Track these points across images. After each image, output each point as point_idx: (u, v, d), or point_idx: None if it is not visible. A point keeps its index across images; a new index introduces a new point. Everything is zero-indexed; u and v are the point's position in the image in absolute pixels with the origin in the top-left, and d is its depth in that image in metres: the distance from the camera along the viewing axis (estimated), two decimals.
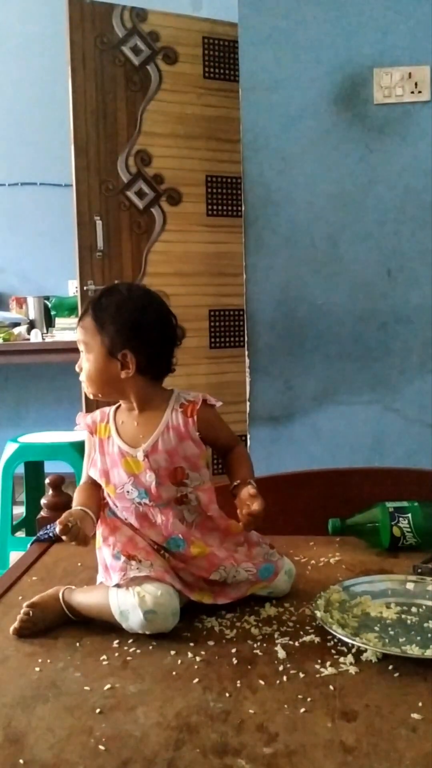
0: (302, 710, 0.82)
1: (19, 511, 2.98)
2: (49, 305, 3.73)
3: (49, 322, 3.73)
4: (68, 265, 3.43)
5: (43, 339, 3.61)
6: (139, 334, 1.10)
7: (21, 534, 2.89)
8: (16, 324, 3.71)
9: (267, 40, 2.32)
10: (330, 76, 2.32)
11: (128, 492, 1.10)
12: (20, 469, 2.75)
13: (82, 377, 1.14)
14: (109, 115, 3.04)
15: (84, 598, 1.06)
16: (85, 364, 1.13)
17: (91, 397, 1.15)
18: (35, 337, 3.61)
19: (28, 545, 1.46)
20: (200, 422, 1.12)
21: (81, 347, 1.13)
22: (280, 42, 2.32)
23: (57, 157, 3.56)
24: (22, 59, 3.81)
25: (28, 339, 3.63)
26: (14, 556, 2.65)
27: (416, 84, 2.28)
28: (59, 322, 3.64)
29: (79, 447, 2.63)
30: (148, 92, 3.09)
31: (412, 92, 2.29)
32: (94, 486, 1.17)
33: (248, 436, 2.38)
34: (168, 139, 3.12)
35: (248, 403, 2.38)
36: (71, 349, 3.20)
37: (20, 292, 3.91)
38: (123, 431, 1.14)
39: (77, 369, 1.15)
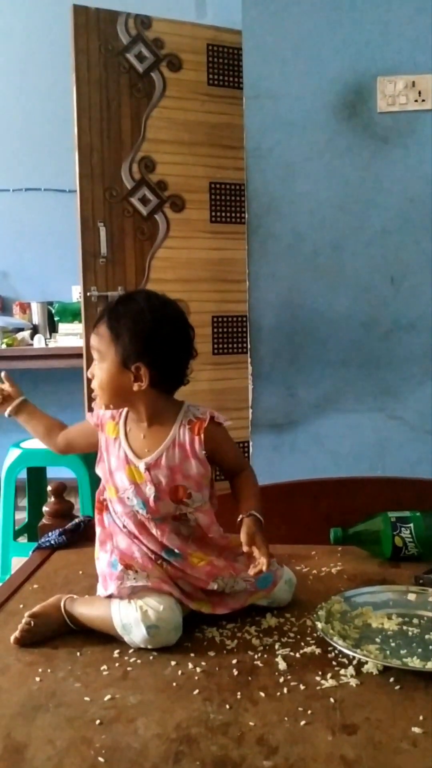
0: (303, 723, 0.82)
1: (21, 516, 2.98)
2: (53, 311, 3.74)
3: (53, 328, 3.74)
4: (72, 270, 3.44)
5: (46, 344, 3.61)
6: (155, 347, 1.07)
7: (23, 540, 2.88)
8: (20, 329, 3.72)
9: (271, 48, 2.33)
10: (334, 84, 2.32)
11: (128, 498, 1.10)
12: (22, 475, 2.75)
13: (94, 385, 1.12)
14: (114, 122, 3.05)
15: (86, 609, 1.06)
16: (98, 372, 1.10)
17: (102, 406, 1.13)
18: (38, 342, 3.62)
19: (30, 552, 1.46)
20: (207, 441, 1.10)
21: (94, 354, 1.11)
22: (283, 50, 2.33)
23: (61, 163, 3.57)
24: (27, 66, 3.82)
25: (32, 344, 3.63)
26: (16, 562, 2.65)
27: (420, 92, 2.29)
28: (62, 327, 3.64)
29: (81, 453, 2.63)
30: (152, 99, 3.09)
31: (416, 101, 2.29)
32: (58, 427, 1.21)
33: (250, 443, 2.38)
34: (172, 145, 3.12)
35: (251, 410, 2.38)
36: (74, 354, 3.24)
37: (24, 297, 3.91)
38: (131, 438, 1.12)
39: (89, 375, 1.13)
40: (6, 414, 1.22)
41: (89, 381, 3.17)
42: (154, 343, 1.07)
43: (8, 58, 3.84)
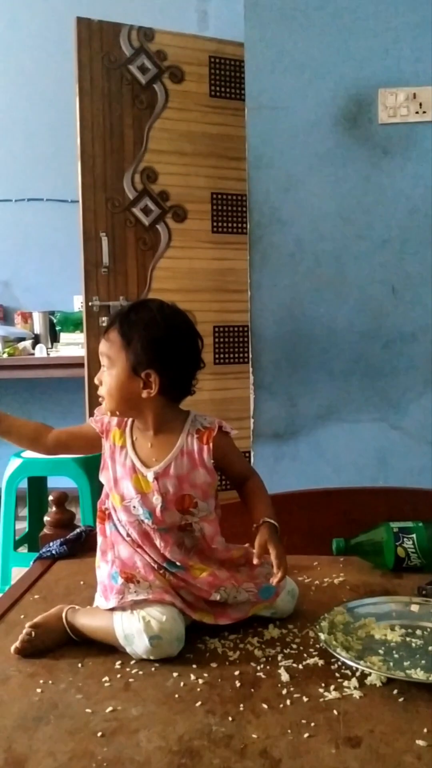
0: (306, 735, 0.82)
1: (21, 526, 2.97)
2: (54, 320, 3.74)
3: (54, 337, 3.73)
4: (74, 280, 3.44)
5: (47, 354, 3.61)
6: (165, 355, 1.07)
7: (23, 550, 2.87)
8: (21, 339, 3.72)
9: (273, 60, 2.34)
10: (335, 96, 2.33)
11: (134, 507, 1.09)
12: (22, 485, 2.74)
13: (102, 391, 1.11)
14: (116, 133, 3.06)
15: (88, 620, 1.05)
16: (106, 379, 1.10)
17: (108, 413, 1.13)
18: (40, 352, 3.62)
19: (31, 562, 1.45)
20: (215, 449, 1.10)
21: (103, 360, 1.11)
22: (285, 62, 2.34)
23: (63, 173, 3.58)
24: (31, 77, 3.84)
25: (33, 354, 3.63)
26: (16, 572, 2.64)
27: (421, 104, 2.30)
28: (64, 337, 3.64)
29: (82, 462, 2.62)
30: (154, 110, 3.11)
31: (417, 112, 2.30)
32: (44, 428, 1.17)
33: (252, 453, 2.38)
34: (174, 156, 3.14)
35: (252, 420, 2.38)
36: (76, 364, 3.24)
37: (26, 306, 3.92)
38: (138, 447, 1.12)
39: (96, 382, 1.12)
40: None
41: (91, 390, 3.16)
42: (165, 350, 1.07)
43: (12, 69, 3.87)
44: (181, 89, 3.14)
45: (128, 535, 1.11)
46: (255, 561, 1.07)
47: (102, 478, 1.14)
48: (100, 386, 1.11)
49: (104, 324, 3.03)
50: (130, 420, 1.14)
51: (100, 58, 3.02)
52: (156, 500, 1.08)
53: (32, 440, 1.17)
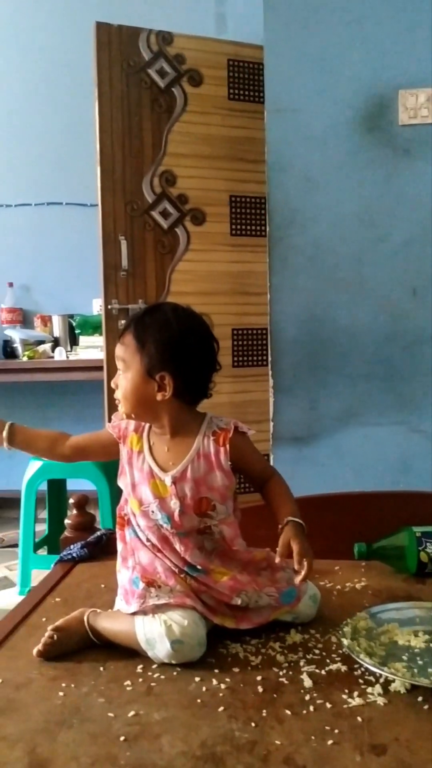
0: (330, 742, 0.81)
1: (40, 528, 2.98)
2: (74, 323, 3.75)
3: (74, 341, 3.75)
4: (92, 283, 3.45)
5: (67, 357, 3.63)
6: (180, 357, 1.07)
7: (42, 552, 2.89)
8: (41, 342, 3.74)
9: (292, 63, 2.34)
10: (355, 98, 2.32)
11: (152, 512, 1.09)
12: (42, 487, 2.76)
13: (118, 395, 1.12)
14: (135, 137, 3.08)
15: (109, 623, 1.05)
16: (122, 382, 1.10)
17: (124, 416, 1.13)
18: (59, 355, 3.63)
19: (52, 565, 1.45)
20: (232, 450, 1.10)
21: (119, 364, 1.11)
22: (305, 64, 2.34)
23: (82, 177, 3.60)
24: (50, 81, 3.87)
25: (53, 357, 3.65)
26: (35, 574, 2.65)
27: None
28: (83, 340, 3.66)
29: (101, 465, 2.63)
30: (173, 114, 3.12)
31: None
32: (61, 436, 1.17)
33: (271, 457, 2.37)
34: (192, 159, 3.14)
35: (272, 423, 2.37)
36: (95, 367, 3.25)
37: (45, 310, 3.94)
38: (155, 452, 1.12)
39: (113, 385, 1.13)
40: (5, 447, 1.16)
41: (110, 393, 3.18)
42: (179, 353, 1.07)
43: (31, 74, 3.89)
44: (199, 92, 3.15)
45: (148, 540, 1.11)
46: (277, 560, 1.06)
47: (120, 483, 1.14)
48: (117, 390, 1.12)
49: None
50: (147, 425, 1.14)
51: (119, 62, 3.04)
52: (174, 504, 1.08)
53: (49, 450, 1.18)
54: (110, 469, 2.63)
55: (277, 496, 1.14)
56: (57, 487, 2.99)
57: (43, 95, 3.90)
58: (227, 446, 1.09)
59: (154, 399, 1.08)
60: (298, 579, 1.05)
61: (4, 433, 1.16)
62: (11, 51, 3.89)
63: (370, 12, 2.31)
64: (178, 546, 1.08)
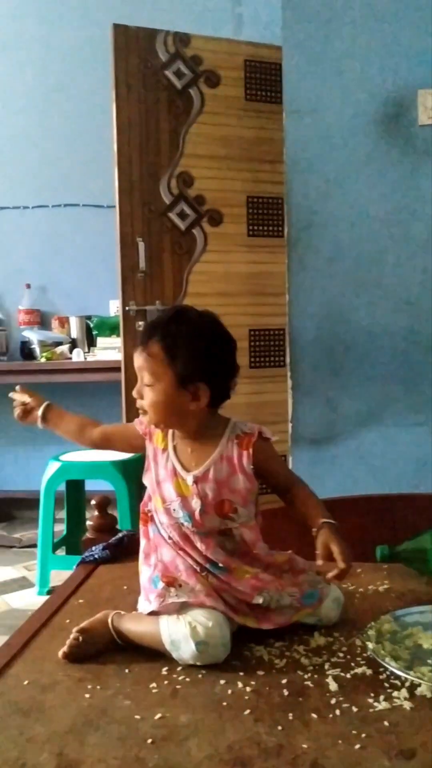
0: (357, 746, 0.81)
1: (58, 528, 3.00)
2: (91, 325, 3.77)
3: (91, 342, 3.77)
4: (109, 285, 3.47)
5: (84, 358, 3.64)
6: (212, 366, 1.07)
7: (61, 552, 2.90)
8: (59, 343, 3.76)
9: (311, 63, 2.33)
10: (374, 98, 2.31)
11: (174, 510, 1.09)
12: (60, 488, 2.77)
13: (142, 405, 1.10)
14: (152, 138, 3.08)
15: (134, 625, 1.05)
16: (150, 393, 1.08)
17: (152, 426, 1.13)
18: (77, 356, 3.65)
19: (74, 566, 1.46)
20: (256, 456, 1.10)
21: (144, 375, 1.09)
22: (323, 65, 2.33)
23: (99, 179, 3.61)
24: (67, 83, 3.88)
25: (70, 358, 3.67)
26: (54, 575, 2.66)
27: None
28: (101, 341, 3.67)
29: (120, 466, 2.64)
30: (190, 115, 3.12)
31: None
32: (91, 422, 1.20)
33: (290, 458, 2.37)
34: (209, 160, 3.14)
35: (290, 424, 2.37)
36: (112, 368, 3.25)
37: (62, 311, 3.96)
38: (179, 451, 1.13)
39: (135, 395, 1.11)
40: (39, 425, 1.21)
41: (128, 394, 3.18)
42: (212, 362, 1.07)
43: (48, 76, 3.91)
44: (216, 93, 3.15)
45: (170, 537, 1.11)
46: (319, 562, 1.06)
47: (145, 479, 1.15)
48: (140, 399, 1.11)
49: (141, 328, 3.06)
50: None
51: (136, 63, 3.04)
52: (195, 504, 1.08)
53: (79, 433, 1.21)
54: (128, 470, 2.64)
55: (306, 500, 1.14)
56: (75, 488, 3.00)
57: (60, 97, 3.92)
58: (250, 450, 1.10)
59: (186, 409, 1.08)
60: (331, 575, 1.05)
61: (40, 411, 1.20)
62: (29, 53, 3.91)
63: (389, 12, 2.30)
64: (199, 545, 1.09)
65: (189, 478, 1.09)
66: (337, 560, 1.04)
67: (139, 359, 1.10)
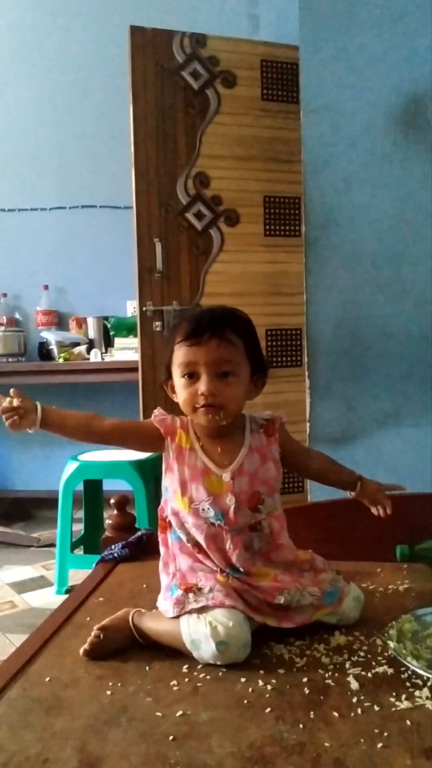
0: (380, 745, 0.80)
1: (76, 528, 3.01)
2: (108, 325, 3.78)
3: (108, 342, 3.78)
4: (126, 285, 3.48)
5: (102, 359, 3.66)
6: (263, 358, 1.14)
7: (79, 551, 2.91)
8: (76, 344, 3.77)
9: (328, 62, 2.33)
10: (391, 96, 2.30)
11: (203, 510, 1.08)
12: (78, 487, 2.78)
13: (218, 400, 1.07)
14: (169, 139, 3.09)
15: (154, 623, 1.06)
16: (229, 386, 1.07)
17: (224, 421, 1.09)
18: (94, 356, 3.67)
19: (93, 565, 1.47)
20: (280, 439, 1.15)
21: (223, 366, 1.07)
22: (341, 63, 2.32)
23: (117, 180, 3.63)
24: (85, 84, 3.91)
25: (88, 359, 3.68)
26: (72, 574, 2.68)
27: None
28: (118, 341, 3.68)
29: (137, 466, 2.65)
30: (207, 115, 3.13)
31: None
32: (96, 416, 1.14)
33: None
34: (226, 161, 3.15)
35: (308, 424, 2.36)
36: (130, 368, 3.27)
37: (80, 312, 3.98)
38: (207, 450, 1.11)
39: (206, 391, 1.06)
40: (36, 428, 1.10)
41: (144, 394, 3.16)
42: (263, 355, 1.14)
43: (66, 77, 3.94)
44: (233, 94, 3.15)
45: (189, 541, 1.10)
46: (383, 497, 1.21)
47: (166, 481, 1.13)
48: (211, 396, 1.06)
49: (158, 329, 3.06)
50: (189, 422, 1.14)
51: (153, 65, 3.06)
52: (229, 501, 1.08)
53: (86, 427, 1.13)
54: (146, 469, 2.65)
55: (330, 465, 1.24)
56: (93, 488, 3.01)
57: (77, 98, 3.94)
58: (277, 435, 1.14)
59: (246, 400, 1.12)
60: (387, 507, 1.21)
61: (39, 413, 1.09)
62: (46, 55, 3.93)
63: (407, 9, 2.28)
64: (227, 544, 1.08)
65: (225, 475, 1.09)
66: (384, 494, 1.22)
67: (216, 351, 1.06)
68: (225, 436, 1.12)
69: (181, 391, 1.10)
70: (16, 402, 1.09)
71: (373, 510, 1.21)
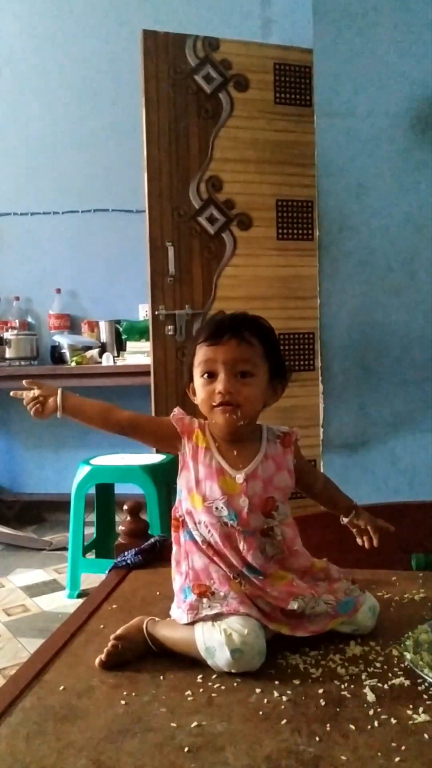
0: (397, 759, 0.79)
1: (88, 532, 3.01)
2: (120, 329, 3.78)
3: (120, 346, 3.79)
4: (139, 289, 3.49)
5: (114, 362, 3.66)
6: (284, 363, 1.14)
7: (91, 555, 2.91)
8: (89, 347, 3.78)
9: (342, 66, 2.32)
10: (405, 101, 2.29)
11: (217, 509, 1.08)
12: (90, 491, 2.78)
13: (235, 399, 1.08)
14: (182, 143, 3.09)
15: (168, 632, 1.05)
16: (246, 387, 1.08)
17: (239, 422, 1.09)
18: (107, 360, 3.67)
19: (106, 571, 1.46)
20: (294, 454, 1.15)
21: (241, 366, 1.08)
22: (354, 67, 2.32)
23: (129, 184, 3.63)
24: (98, 89, 3.92)
25: (100, 362, 3.68)
26: (83, 578, 2.67)
27: None
28: (130, 345, 3.68)
29: (149, 470, 2.64)
30: (219, 119, 3.13)
31: None
32: (114, 407, 1.16)
33: (321, 462, 2.35)
34: (239, 164, 3.14)
35: (322, 429, 2.35)
36: (142, 372, 3.26)
37: (92, 316, 3.98)
38: (222, 451, 1.12)
39: (224, 390, 1.08)
40: (60, 413, 1.14)
41: (156, 398, 3.17)
42: (284, 361, 1.14)
43: (79, 81, 3.95)
44: (246, 97, 3.15)
45: (204, 541, 1.09)
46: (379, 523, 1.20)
47: (181, 479, 1.13)
48: (228, 395, 1.08)
49: (170, 333, 3.06)
50: (206, 424, 1.14)
51: (166, 69, 3.06)
52: (243, 502, 1.07)
53: (104, 416, 1.15)
54: (158, 473, 2.64)
55: (332, 490, 1.24)
56: (105, 492, 3.01)
57: (90, 102, 3.95)
58: (293, 447, 1.15)
59: (265, 404, 1.13)
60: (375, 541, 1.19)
61: (59, 398, 1.14)
62: (59, 59, 3.95)
63: (421, 13, 2.28)
64: (241, 545, 1.07)
65: (239, 477, 1.09)
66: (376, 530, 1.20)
67: (234, 351, 1.08)
68: (241, 441, 1.12)
69: (199, 390, 1.12)
70: (36, 392, 1.16)
71: (359, 540, 1.21)
